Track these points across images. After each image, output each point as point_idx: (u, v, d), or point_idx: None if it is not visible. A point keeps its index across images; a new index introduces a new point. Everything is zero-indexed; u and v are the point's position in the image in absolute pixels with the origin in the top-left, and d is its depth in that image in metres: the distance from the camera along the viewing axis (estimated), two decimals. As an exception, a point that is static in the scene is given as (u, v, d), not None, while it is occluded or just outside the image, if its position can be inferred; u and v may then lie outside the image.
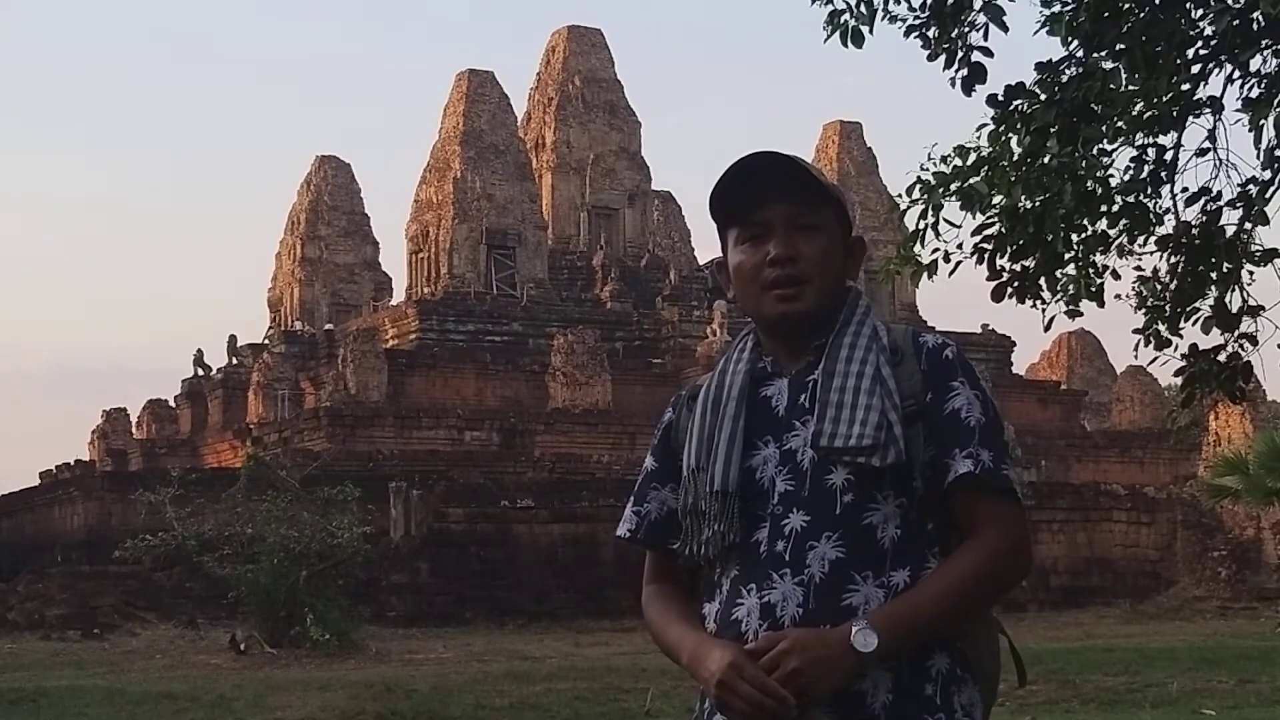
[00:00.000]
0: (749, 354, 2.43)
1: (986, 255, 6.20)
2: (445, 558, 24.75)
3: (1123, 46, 5.69)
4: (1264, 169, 5.97)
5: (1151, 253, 6.34)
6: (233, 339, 49.17)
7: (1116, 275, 6.36)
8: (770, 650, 2.18)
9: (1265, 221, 6.05)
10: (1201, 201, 6.15)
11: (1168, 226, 6.23)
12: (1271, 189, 6.00)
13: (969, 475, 2.26)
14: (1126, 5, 5.79)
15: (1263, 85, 5.90)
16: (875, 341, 2.35)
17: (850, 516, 2.27)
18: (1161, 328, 6.37)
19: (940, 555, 2.30)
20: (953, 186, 6.11)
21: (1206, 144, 6.03)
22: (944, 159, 6.16)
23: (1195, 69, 5.91)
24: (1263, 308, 6.17)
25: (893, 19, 6.06)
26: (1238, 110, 5.94)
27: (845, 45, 6.01)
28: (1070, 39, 5.84)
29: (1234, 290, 6.17)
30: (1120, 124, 5.91)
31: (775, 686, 2.16)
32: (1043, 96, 5.83)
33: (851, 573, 2.25)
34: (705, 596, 2.39)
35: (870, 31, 6.04)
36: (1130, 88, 5.75)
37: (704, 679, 2.24)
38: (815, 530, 2.26)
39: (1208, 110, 6.00)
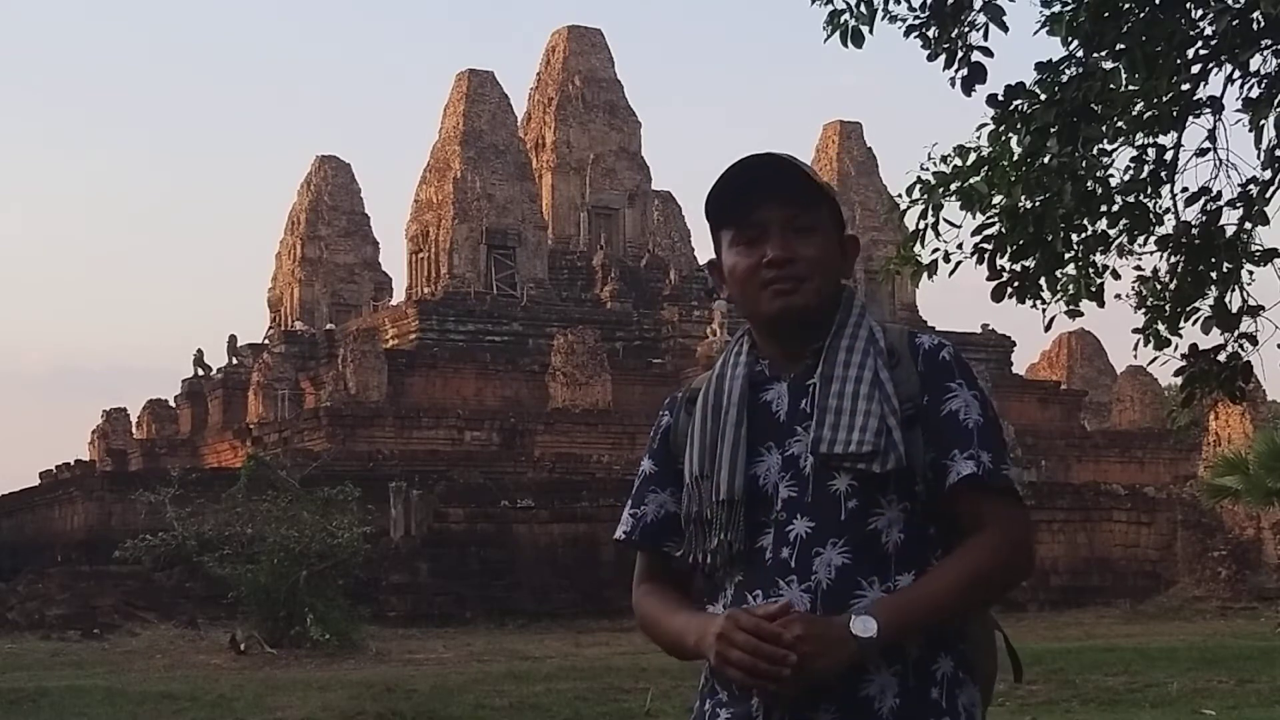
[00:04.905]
0: (746, 357, 2.40)
1: (986, 255, 6.20)
2: (445, 558, 24.73)
3: (1123, 46, 5.69)
4: (1264, 169, 5.98)
5: (1151, 253, 6.35)
6: (233, 339, 49.20)
7: (1116, 275, 6.37)
8: (775, 610, 2.16)
9: (1265, 221, 6.05)
10: (1201, 201, 6.15)
11: (1168, 226, 6.24)
12: (1271, 189, 6.00)
13: (971, 476, 2.25)
14: (1126, 5, 5.79)
15: (1263, 85, 5.90)
16: (873, 344, 2.33)
17: (855, 522, 2.25)
18: (1161, 328, 6.37)
19: (942, 559, 2.29)
20: (953, 186, 6.12)
21: (1206, 144, 6.03)
22: (944, 159, 6.17)
23: (1195, 69, 5.91)
24: (1263, 308, 6.18)
25: (893, 19, 6.06)
26: (1238, 110, 5.95)
27: (845, 45, 6.00)
28: (1070, 39, 5.84)
29: (1234, 290, 6.17)
30: (1120, 124, 5.91)
31: (775, 630, 2.12)
32: (1043, 96, 5.83)
33: (858, 578, 2.23)
34: (708, 597, 2.37)
35: (870, 31, 6.03)
36: (1130, 88, 5.75)
37: (708, 643, 2.20)
38: (820, 536, 2.25)
39: (1208, 110, 6.01)
